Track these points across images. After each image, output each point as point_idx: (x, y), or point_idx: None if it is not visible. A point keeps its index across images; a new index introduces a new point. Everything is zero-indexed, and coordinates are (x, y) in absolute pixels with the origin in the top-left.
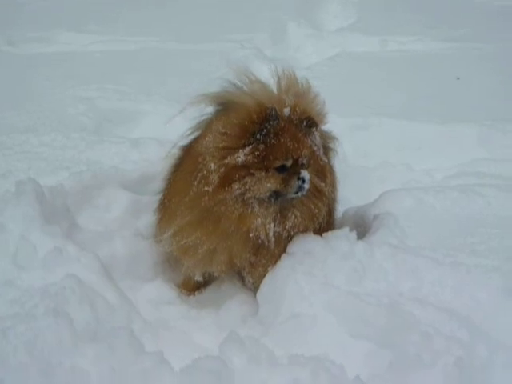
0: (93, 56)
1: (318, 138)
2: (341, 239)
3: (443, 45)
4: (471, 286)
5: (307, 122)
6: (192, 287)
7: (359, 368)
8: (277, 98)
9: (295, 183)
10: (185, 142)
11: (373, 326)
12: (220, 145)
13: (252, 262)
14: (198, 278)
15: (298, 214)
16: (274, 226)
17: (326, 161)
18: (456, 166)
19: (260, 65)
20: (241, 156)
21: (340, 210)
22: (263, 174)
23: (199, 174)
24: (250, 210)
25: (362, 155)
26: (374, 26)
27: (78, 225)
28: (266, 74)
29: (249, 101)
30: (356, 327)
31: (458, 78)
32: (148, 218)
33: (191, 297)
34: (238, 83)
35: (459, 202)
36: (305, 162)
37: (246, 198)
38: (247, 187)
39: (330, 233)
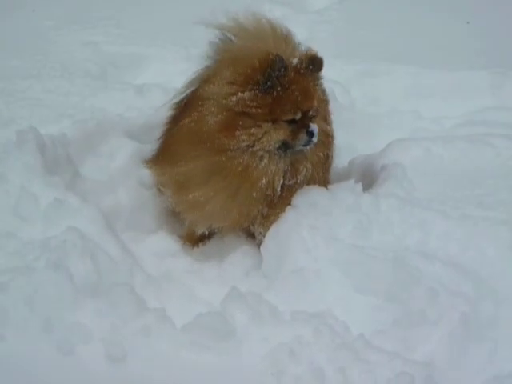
0: None
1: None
2: (346, 191)
3: None
4: (478, 240)
5: (313, 64)
6: (196, 239)
7: (363, 324)
8: (281, 46)
9: (304, 137)
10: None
11: (378, 280)
12: (223, 90)
13: (264, 214)
14: (203, 230)
15: (310, 165)
16: (284, 180)
17: (327, 100)
18: (465, 115)
19: (271, 9)
20: (241, 100)
21: (347, 158)
22: (271, 125)
23: (203, 120)
24: (258, 163)
25: (371, 102)
26: None
27: (80, 174)
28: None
29: (253, 48)
30: (361, 282)
31: (468, 23)
32: None
33: (195, 249)
34: (247, 29)
35: (468, 152)
36: (314, 113)
37: (254, 150)
38: (254, 138)
39: (335, 185)
